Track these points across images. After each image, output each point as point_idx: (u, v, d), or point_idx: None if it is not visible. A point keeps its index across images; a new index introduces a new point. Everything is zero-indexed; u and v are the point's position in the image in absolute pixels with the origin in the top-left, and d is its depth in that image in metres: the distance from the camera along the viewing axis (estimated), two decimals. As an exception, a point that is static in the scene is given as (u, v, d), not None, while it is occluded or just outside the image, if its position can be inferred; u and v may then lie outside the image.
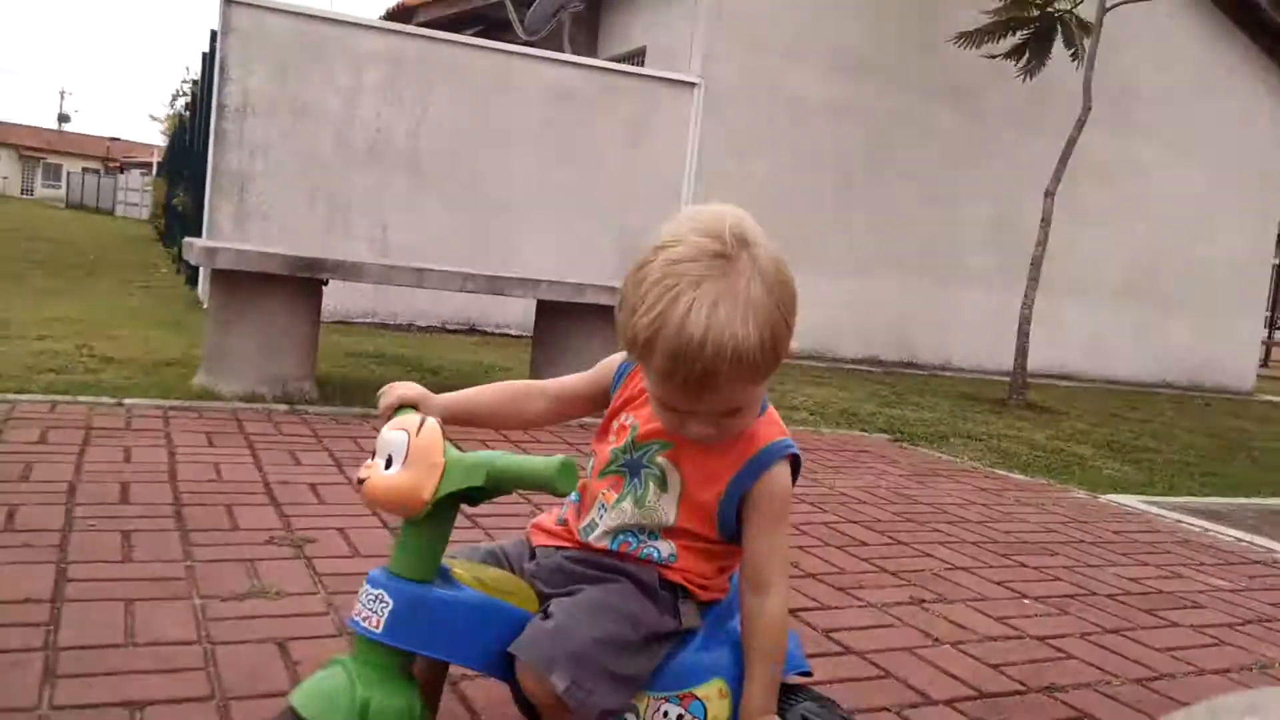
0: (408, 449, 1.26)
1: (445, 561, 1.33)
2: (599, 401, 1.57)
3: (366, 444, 3.85)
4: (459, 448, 1.31)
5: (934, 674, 2.23)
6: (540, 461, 1.24)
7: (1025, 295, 8.29)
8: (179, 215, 12.78)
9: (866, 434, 5.67)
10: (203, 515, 2.76)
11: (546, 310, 5.31)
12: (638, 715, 1.36)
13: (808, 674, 1.51)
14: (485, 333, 9.00)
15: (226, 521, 2.73)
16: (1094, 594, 3.00)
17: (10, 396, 3.96)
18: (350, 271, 4.58)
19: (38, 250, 13.38)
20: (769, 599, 1.39)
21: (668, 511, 1.42)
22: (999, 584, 2.99)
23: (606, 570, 1.42)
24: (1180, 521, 4.22)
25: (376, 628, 1.26)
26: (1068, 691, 2.22)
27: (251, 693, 1.79)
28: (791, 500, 1.43)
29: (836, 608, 2.59)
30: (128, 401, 4.11)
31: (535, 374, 5.24)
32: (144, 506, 2.78)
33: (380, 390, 1.49)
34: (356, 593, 2.27)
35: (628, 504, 1.43)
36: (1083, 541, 3.65)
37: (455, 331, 8.83)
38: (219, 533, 2.63)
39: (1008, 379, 8.61)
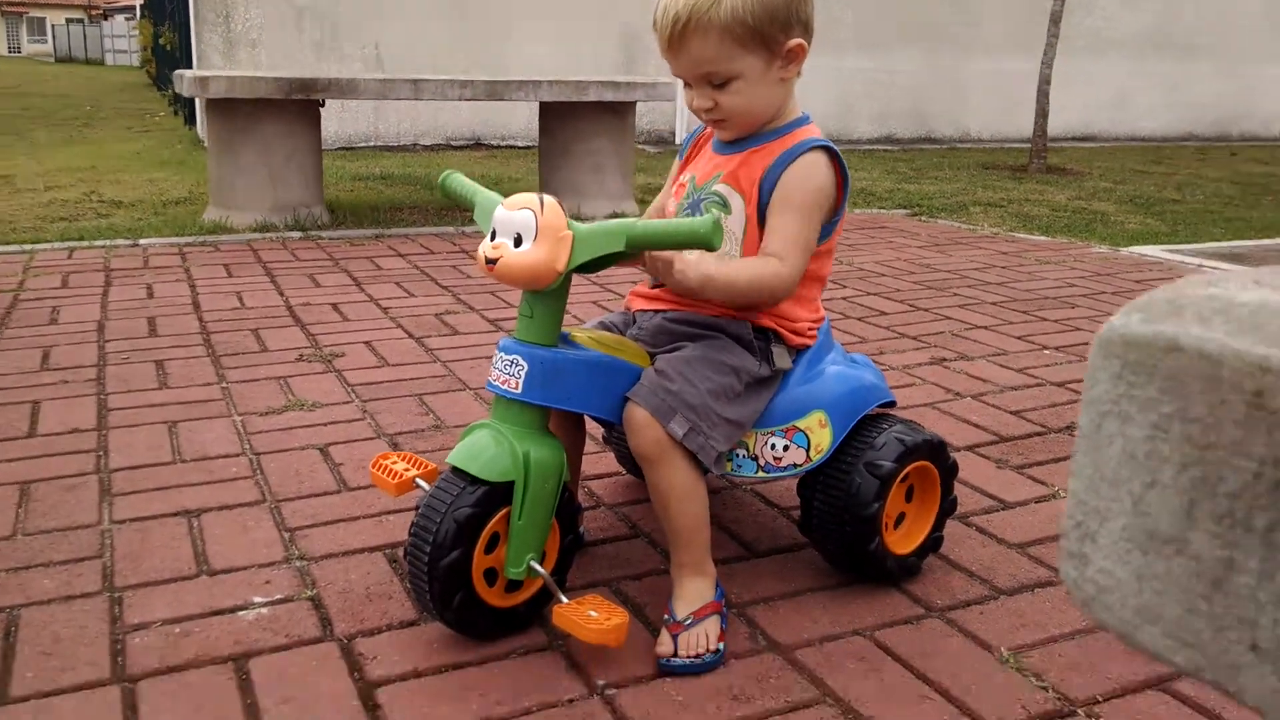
0: (536, 226, 1.31)
1: (564, 329, 1.42)
2: None
3: (383, 263, 3.87)
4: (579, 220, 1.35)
5: (955, 424, 2.29)
6: (690, 221, 1.27)
7: (1044, 54, 7.97)
8: (168, 55, 12.43)
9: (885, 211, 5.61)
10: (231, 340, 2.81)
11: (550, 113, 5.19)
12: (748, 450, 1.50)
13: (893, 404, 1.62)
14: (490, 146, 8.84)
15: (255, 344, 2.78)
16: (1114, 341, 3.02)
17: (27, 246, 3.99)
18: (345, 89, 4.47)
19: (34, 106, 13.14)
20: (772, 262, 1.41)
21: (735, 229, 1.47)
22: (1019, 338, 3.02)
23: (704, 327, 1.49)
24: (1202, 265, 4.20)
25: (516, 389, 1.37)
26: (1087, 430, 2.27)
27: (299, 493, 1.87)
28: (822, 192, 1.45)
29: (858, 374, 2.64)
30: (143, 241, 4.13)
31: (545, 183, 5.17)
32: (173, 337, 2.83)
33: None
34: (390, 399, 2.36)
35: None
36: (1104, 293, 3.66)
37: (460, 147, 8.68)
38: (249, 355, 2.69)
39: (1028, 145, 8.40)
